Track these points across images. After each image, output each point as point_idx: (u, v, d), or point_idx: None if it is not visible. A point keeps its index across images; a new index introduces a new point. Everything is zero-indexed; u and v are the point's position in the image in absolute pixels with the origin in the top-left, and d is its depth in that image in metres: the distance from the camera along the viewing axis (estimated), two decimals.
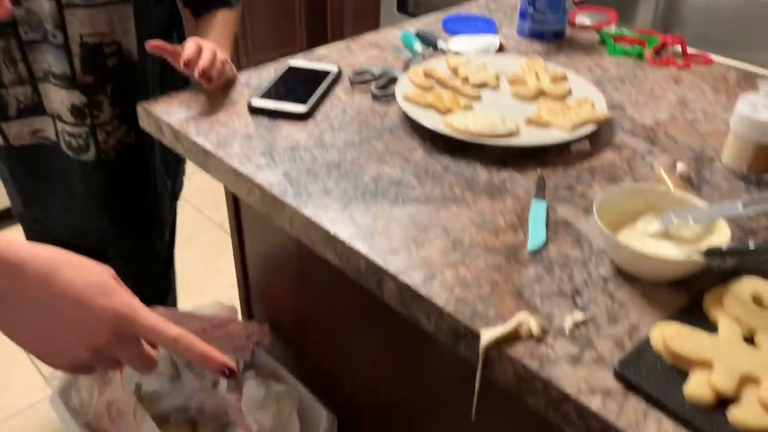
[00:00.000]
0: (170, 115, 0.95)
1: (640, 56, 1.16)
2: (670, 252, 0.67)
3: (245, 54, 2.88)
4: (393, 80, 1.02)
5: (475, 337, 0.62)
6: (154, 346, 0.56)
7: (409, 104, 0.93)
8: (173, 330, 0.53)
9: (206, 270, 2.13)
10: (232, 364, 0.54)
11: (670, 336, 0.57)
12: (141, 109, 0.98)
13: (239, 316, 1.24)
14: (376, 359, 0.98)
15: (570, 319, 0.62)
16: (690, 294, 0.65)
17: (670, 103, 1.01)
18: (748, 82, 1.09)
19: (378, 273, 0.69)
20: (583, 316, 0.63)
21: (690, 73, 1.12)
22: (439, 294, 0.66)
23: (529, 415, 0.65)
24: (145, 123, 1.00)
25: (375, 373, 1.00)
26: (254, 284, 1.23)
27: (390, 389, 0.98)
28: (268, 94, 0.97)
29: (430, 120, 0.90)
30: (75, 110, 1.04)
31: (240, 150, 0.87)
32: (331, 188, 0.80)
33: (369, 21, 2.74)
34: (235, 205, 1.14)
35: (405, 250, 0.71)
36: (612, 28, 1.25)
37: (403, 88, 0.97)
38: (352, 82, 1.03)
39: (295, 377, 1.16)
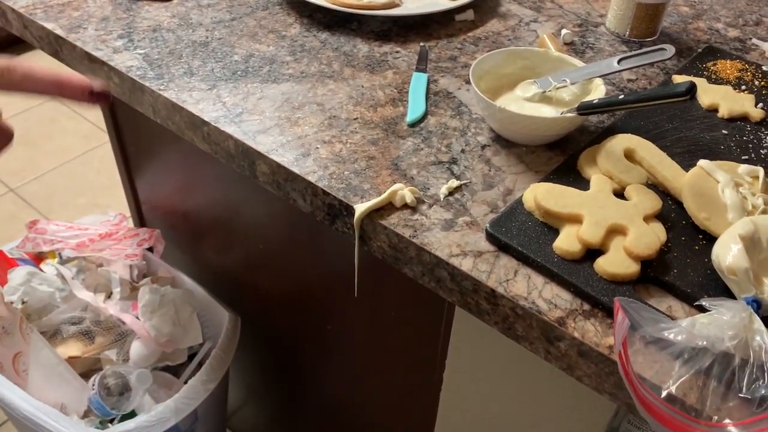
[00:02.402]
0: None
1: None
2: (546, 113, 0.65)
3: None
4: None
5: (351, 212, 0.59)
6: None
7: None
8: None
9: (107, 183, 2.02)
10: (98, 83, 0.47)
11: (541, 194, 0.56)
12: None
13: (130, 224, 1.18)
14: (273, 252, 0.96)
15: (445, 187, 0.60)
16: (566, 156, 0.64)
17: None
18: None
19: (249, 155, 0.65)
20: (458, 183, 0.61)
21: None
22: (312, 171, 0.62)
23: (410, 288, 0.65)
24: None
25: (273, 266, 0.98)
26: (143, 191, 1.17)
27: (289, 280, 0.96)
28: None
29: None
30: None
31: (95, 33, 0.78)
32: (196, 69, 0.73)
33: None
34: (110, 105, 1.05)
35: (277, 129, 0.67)
36: None
37: None
38: None
39: (195, 281, 1.13)
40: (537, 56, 0.69)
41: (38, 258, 1.14)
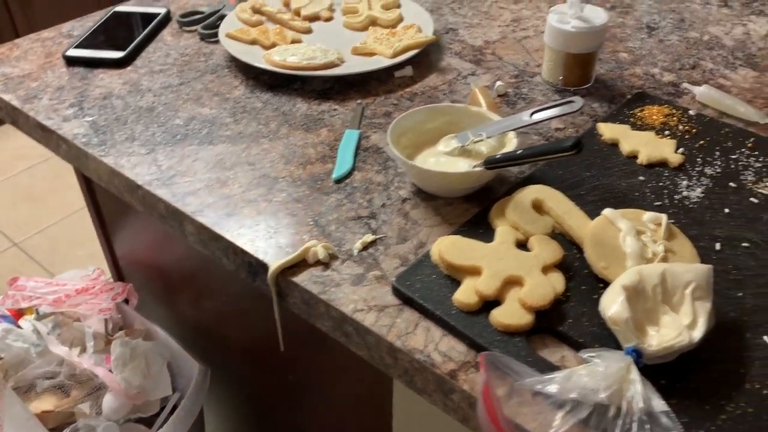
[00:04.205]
0: None
1: None
2: (463, 167, 0.67)
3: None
4: (223, 18, 0.99)
5: (267, 270, 0.61)
6: None
7: (232, 42, 0.90)
8: None
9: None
10: None
11: (445, 247, 0.58)
12: None
13: (108, 279, 1.22)
14: (236, 306, 0.98)
15: (359, 242, 0.62)
16: (482, 207, 0.66)
17: (504, 22, 1.01)
18: None
19: (177, 216, 0.68)
20: (373, 237, 0.63)
21: None
22: (233, 231, 0.65)
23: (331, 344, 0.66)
24: None
25: (237, 319, 1.00)
26: (119, 246, 1.20)
27: (251, 333, 0.98)
28: (85, 43, 0.92)
29: (251, 56, 0.87)
30: None
31: (48, 103, 0.83)
32: (138, 134, 0.77)
33: None
34: None
35: (206, 190, 0.69)
36: None
37: (228, 25, 0.94)
38: (180, 24, 0.99)
39: (168, 333, 1.15)
40: (457, 111, 0.72)
41: (18, 314, 1.17)
